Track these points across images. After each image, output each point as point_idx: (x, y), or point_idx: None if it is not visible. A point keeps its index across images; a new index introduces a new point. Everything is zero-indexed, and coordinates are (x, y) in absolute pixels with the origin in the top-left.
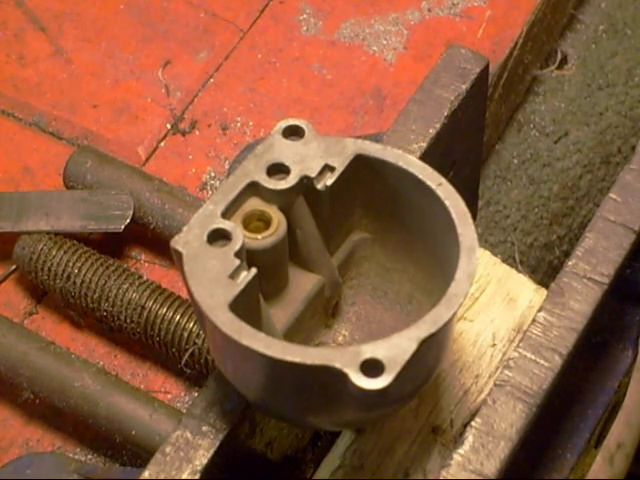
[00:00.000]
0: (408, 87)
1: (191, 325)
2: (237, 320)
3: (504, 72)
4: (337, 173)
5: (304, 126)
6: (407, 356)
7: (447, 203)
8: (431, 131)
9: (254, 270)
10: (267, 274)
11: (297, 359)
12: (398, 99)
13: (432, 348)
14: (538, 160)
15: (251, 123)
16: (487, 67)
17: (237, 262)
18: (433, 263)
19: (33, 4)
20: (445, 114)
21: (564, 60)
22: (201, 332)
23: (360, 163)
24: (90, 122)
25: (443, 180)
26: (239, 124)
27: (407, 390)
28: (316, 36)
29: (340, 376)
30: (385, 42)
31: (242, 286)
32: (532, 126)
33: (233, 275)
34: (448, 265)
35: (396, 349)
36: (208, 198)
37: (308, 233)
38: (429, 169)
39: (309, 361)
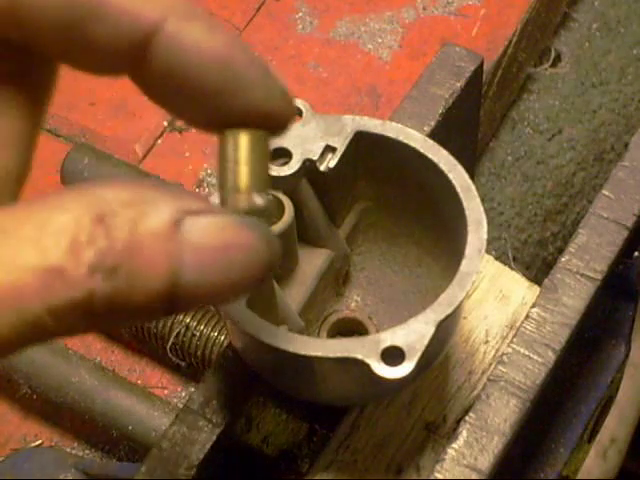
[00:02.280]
0: (403, 85)
1: (188, 320)
2: (256, 317)
3: (498, 70)
4: (339, 154)
5: (301, 106)
6: (426, 341)
7: (450, 176)
8: (425, 128)
9: None
10: None
11: (318, 353)
12: (393, 97)
13: (447, 327)
14: (532, 157)
15: None
16: (481, 65)
17: None
18: (439, 228)
19: None
20: (439, 112)
21: (558, 58)
22: (197, 328)
23: (361, 139)
24: (87, 120)
25: (445, 152)
26: None
27: (422, 367)
28: (311, 34)
29: (362, 365)
30: (380, 40)
31: None
32: (526, 124)
33: None
34: (454, 232)
35: (414, 334)
36: (207, 194)
37: (314, 211)
38: (429, 142)
39: (330, 354)
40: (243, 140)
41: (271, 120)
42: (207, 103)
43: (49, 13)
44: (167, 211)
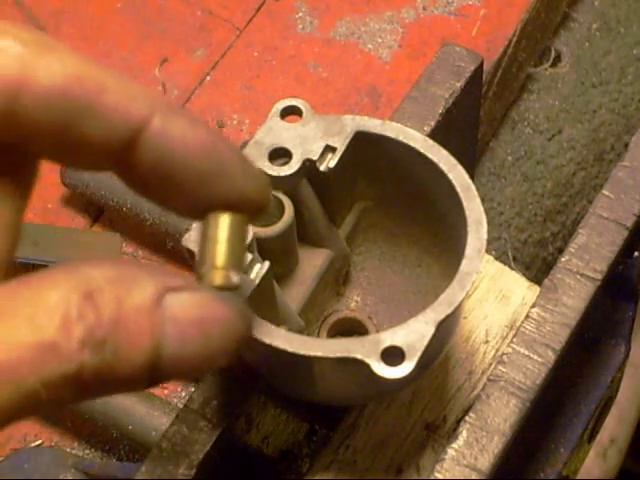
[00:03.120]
0: (403, 85)
1: None
2: (256, 317)
3: (498, 70)
4: (339, 153)
5: (301, 105)
6: (426, 341)
7: (450, 176)
8: (426, 128)
9: (267, 263)
10: (278, 258)
11: (318, 353)
12: (393, 97)
13: (447, 326)
14: (532, 157)
15: (247, 121)
16: (481, 65)
17: (249, 256)
18: (439, 228)
19: (31, 3)
20: (439, 112)
21: (558, 58)
22: None
23: (360, 139)
24: None
25: (445, 152)
26: (235, 122)
27: (422, 367)
28: (312, 34)
29: (361, 365)
30: (380, 40)
31: (257, 281)
32: (526, 124)
33: (246, 270)
34: (455, 232)
35: (414, 334)
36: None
37: (314, 211)
38: (430, 142)
39: (330, 354)
40: (223, 222)
41: (249, 203)
42: (192, 191)
43: (46, 115)
44: (150, 288)
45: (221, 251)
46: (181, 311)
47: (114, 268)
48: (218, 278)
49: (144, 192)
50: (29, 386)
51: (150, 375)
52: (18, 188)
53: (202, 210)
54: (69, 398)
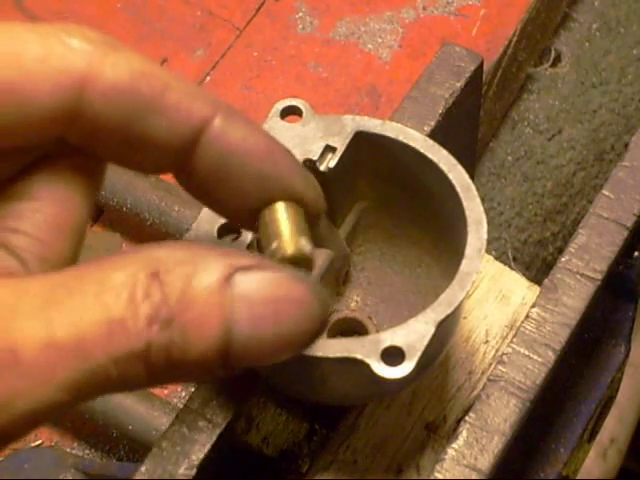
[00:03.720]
0: (403, 85)
1: None
2: None
3: (498, 70)
4: (339, 154)
5: (301, 105)
6: (426, 341)
7: (450, 176)
8: (425, 128)
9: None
10: None
11: (318, 353)
12: (393, 97)
13: (447, 326)
14: (532, 157)
15: None
16: (481, 65)
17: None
18: (439, 228)
19: (31, 3)
20: (439, 112)
21: (558, 58)
22: None
23: (360, 139)
24: None
25: (445, 152)
26: None
27: (422, 367)
28: (312, 34)
29: (361, 365)
30: (380, 40)
31: None
32: (526, 124)
33: None
34: (455, 232)
35: (414, 334)
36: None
37: None
38: (430, 142)
39: (330, 354)
40: (281, 206)
41: (307, 207)
42: (248, 194)
43: (111, 112)
44: (218, 267)
45: (287, 225)
46: (252, 290)
47: (183, 249)
48: (290, 246)
49: (201, 195)
50: (99, 363)
51: (222, 359)
52: (86, 192)
53: (256, 214)
54: (140, 380)
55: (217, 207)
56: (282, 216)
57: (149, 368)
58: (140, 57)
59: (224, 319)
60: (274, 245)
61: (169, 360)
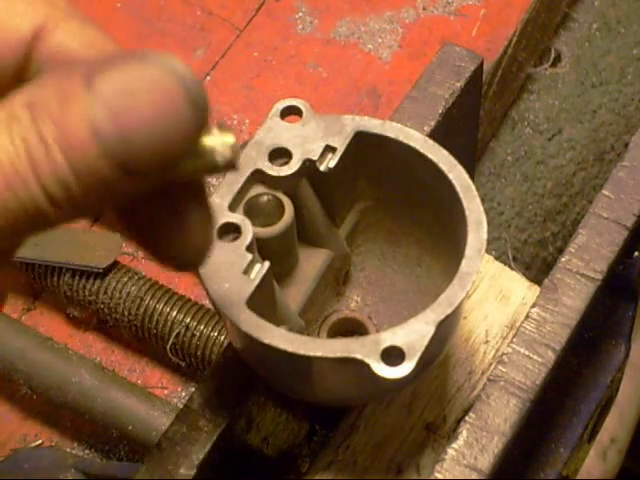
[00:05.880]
0: (403, 85)
1: (188, 320)
2: (256, 317)
3: (498, 70)
4: (339, 154)
5: (301, 105)
6: (426, 341)
7: (451, 176)
8: (426, 128)
9: (267, 263)
10: (278, 258)
11: (318, 353)
12: (393, 97)
13: (447, 326)
14: (532, 157)
15: (247, 121)
16: (481, 65)
17: (249, 257)
18: (439, 227)
19: None
20: (440, 112)
21: (558, 58)
22: (197, 328)
23: (360, 139)
24: None
25: (445, 152)
26: (235, 121)
27: (422, 367)
28: (312, 34)
29: (361, 365)
30: (380, 40)
31: (257, 281)
32: (526, 124)
33: (247, 270)
34: (455, 232)
35: (414, 334)
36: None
37: (314, 212)
38: (430, 142)
39: (330, 354)
40: None
41: None
42: None
43: None
44: (79, 71)
45: None
46: (108, 88)
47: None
48: None
49: None
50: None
51: (111, 167)
52: None
53: None
54: (50, 217)
55: None
56: None
57: (53, 202)
58: None
59: (89, 123)
60: None
61: (65, 188)
